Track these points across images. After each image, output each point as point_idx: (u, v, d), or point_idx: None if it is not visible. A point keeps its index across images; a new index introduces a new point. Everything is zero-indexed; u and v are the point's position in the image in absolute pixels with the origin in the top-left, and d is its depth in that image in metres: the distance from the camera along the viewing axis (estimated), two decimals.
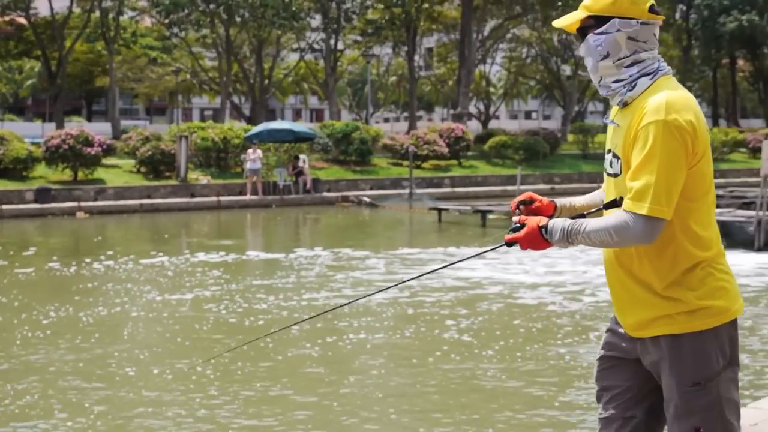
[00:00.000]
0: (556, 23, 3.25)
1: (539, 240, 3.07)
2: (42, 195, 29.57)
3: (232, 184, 33.02)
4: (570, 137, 48.70)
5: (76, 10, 48.62)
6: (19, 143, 32.04)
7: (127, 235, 24.58)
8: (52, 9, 45.63)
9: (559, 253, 17.04)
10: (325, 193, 33.38)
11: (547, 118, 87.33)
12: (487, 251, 3.44)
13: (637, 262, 3.09)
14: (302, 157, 33.96)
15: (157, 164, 32.90)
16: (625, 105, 3.11)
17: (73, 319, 11.41)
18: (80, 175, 31.84)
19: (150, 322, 11.44)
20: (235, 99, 59.87)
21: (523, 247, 3.11)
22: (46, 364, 9.13)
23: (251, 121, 47.65)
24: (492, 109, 66.61)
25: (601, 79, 3.18)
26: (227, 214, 29.90)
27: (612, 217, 2.99)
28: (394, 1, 47.28)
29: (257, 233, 26.09)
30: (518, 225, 3.10)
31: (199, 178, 33.23)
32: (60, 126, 42.70)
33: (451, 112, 52.86)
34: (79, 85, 68.69)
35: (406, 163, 36.60)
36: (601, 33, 3.11)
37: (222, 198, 31.65)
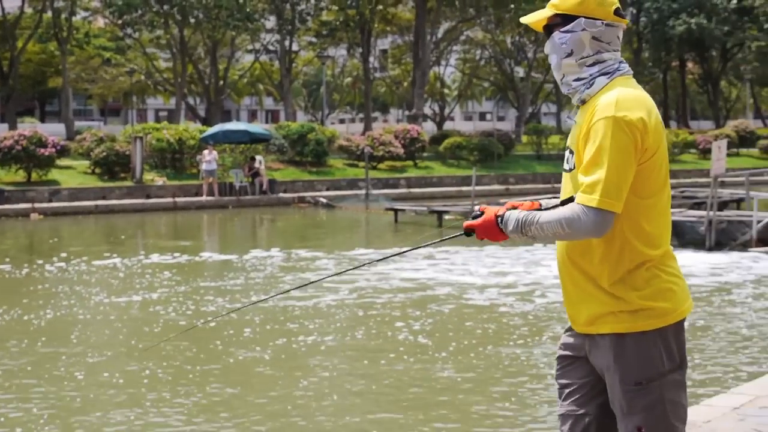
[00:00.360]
0: (524, 20, 3.30)
1: (495, 230, 3.13)
2: None
3: (188, 185, 32.95)
4: (524, 138, 49.16)
5: (28, 10, 48.19)
6: None
7: (81, 236, 24.45)
8: (3, 9, 45.11)
9: (506, 253, 17.33)
10: (281, 194, 33.43)
11: (501, 119, 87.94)
12: (447, 239, 3.49)
13: (587, 256, 3.13)
14: (258, 158, 33.98)
15: (112, 165, 32.74)
16: (582, 103, 3.19)
17: (20, 322, 11.38)
18: (34, 176, 31.61)
19: (98, 324, 11.47)
20: (191, 100, 59.49)
21: (479, 236, 3.17)
22: None
23: (206, 122, 47.52)
24: (447, 111, 66.96)
25: (563, 77, 3.24)
26: (183, 215, 29.84)
27: (565, 209, 3.03)
28: (348, 3, 47.46)
29: (212, 234, 26.09)
30: (478, 213, 3.18)
31: (155, 179, 33.12)
32: (13, 127, 42.25)
33: (406, 113, 53.04)
34: (31, 86, 67.84)
35: (362, 164, 36.73)
36: (567, 31, 3.17)
37: (178, 199, 31.57)
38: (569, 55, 3.19)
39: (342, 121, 78.19)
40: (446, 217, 23.98)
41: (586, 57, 3.17)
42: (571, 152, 3.16)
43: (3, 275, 15.90)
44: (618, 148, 2.98)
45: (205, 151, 32.31)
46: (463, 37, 58.32)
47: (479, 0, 47.33)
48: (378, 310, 12.09)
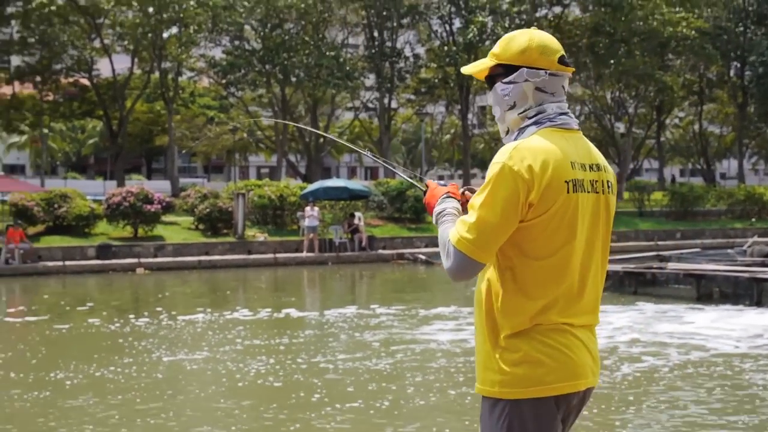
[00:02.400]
0: (465, 70, 3.20)
1: (432, 203, 3.21)
2: (103, 251, 30.14)
3: (288, 241, 33.31)
4: (625, 195, 48.38)
5: (137, 71, 49.79)
6: (81, 201, 32.78)
7: (176, 291, 24.77)
8: (113, 70, 46.80)
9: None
10: (380, 251, 33.51)
11: None
12: (414, 177, 3.72)
13: (479, 304, 3.06)
14: (358, 214, 34.20)
15: (215, 221, 33.37)
16: None
17: (94, 378, 11.37)
18: (140, 231, 32.41)
19: (192, 377, 11.54)
20: (291, 157, 60.54)
21: (425, 198, 3.27)
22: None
23: (307, 179, 48.19)
24: None
25: (508, 131, 3.11)
26: (283, 271, 30.12)
27: (450, 230, 2.97)
28: (447, 61, 47.72)
29: (304, 291, 26.09)
30: (443, 183, 3.27)
31: (256, 235, 33.58)
32: (121, 184, 43.58)
33: None
34: (139, 144, 70.11)
35: None
36: (509, 82, 3.06)
37: (279, 255, 31.92)
38: (512, 107, 3.07)
39: (441, 178, 78.14)
40: None
41: (528, 109, 3.05)
42: None
43: (91, 330, 16.12)
44: (497, 196, 2.86)
45: (307, 208, 32.66)
46: None
47: (578, 56, 47.13)
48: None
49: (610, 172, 3.14)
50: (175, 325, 16.36)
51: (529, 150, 2.89)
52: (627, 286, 20.89)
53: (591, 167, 3.03)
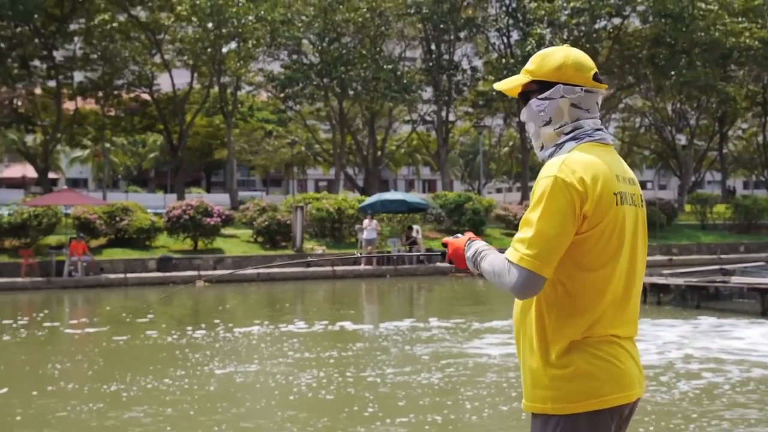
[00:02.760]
0: (498, 86, 3.22)
1: (461, 253, 3.15)
2: (164, 264, 30.45)
3: (346, 254, 33.36)
4: (687, 207, 47.70)
5: (197, 86, 50.40)
6: (142, 214, 33.19)
7: (239, 304, 24.93)
8: (173, 85, 47.44)
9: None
10: (438, 264, 33.38)
11: (662, 188, 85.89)
12: (425, 255, 3.48)
13: (524, 322, 3.05)
14: (415, 227, 34.15)
15: (274, 234, 33.57)
16: None
17: (148, 390, 11.40)
18: (200, 244, 32.70)
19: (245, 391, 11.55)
20: (349, 170, 60.70)
21: (449, 255, 3.19)
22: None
23: (365, 191, 48.28)
24: None
25: (542, 147, 3.13)
26: (341, 284, 30.13)
27: (501, 258, 2.94)
28: (505, 73, 47.49)
29: (370, 303, 26.11)
30: (460, 234, 3.23)
31: (314, 247, 33.69)
32: (181, 197, 44.04)
33: None
34: (199, 158, 70.92)
35: None
36: (545, 98, 3.08)
37: (337, 268, 31.98)
38: (547, 123, 3.09)
39: (499, 191, 78.03)
40: None
41: (565, 125, 3.07)
42: None
43: (150, 340, 16.26)
44: (553, 209, 2.85)
45: (366, 221, 32.70)
46: (621, 105, 57.51)
47: (638, 68, 46.63)
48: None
49: (639, 186, 3.20)
50: (231, 337, 16.42)
51: (578, 163, 2.91)
52: (689, 300, 20.50)
53: (629, 181, 3.08)
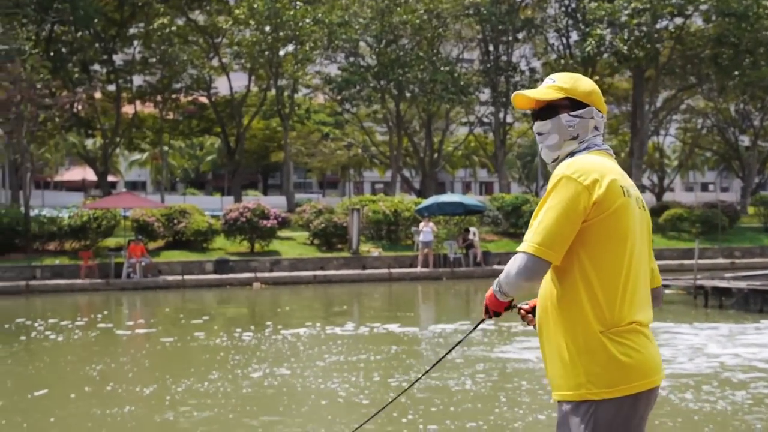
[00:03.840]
0: (530, 93, 3.46)
1: (493, 296, 3.41)
2: (221, 266, 30.53)
3: (402, 256, 33.19)
4: (750, 210, 46.71)
5: (254, 88, 50.58)
6: (199, 216, 33.37)
7: (293, 306, 24.80)
8: (231, 88, 47.66)
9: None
10: (495, 266, 32.99)
11: (725, 190, 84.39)
12: (475, 328, 3.95)
13: (549, 315, 3.28)
14: (472, 229, 33.84)
15: (330, 236, 33.51)
16: None
17: (181, 392, 11.35)
18: (257, 246, 32.75)
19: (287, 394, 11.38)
20: (406, 172, 60.54)
21: (489, 309, 3.46)
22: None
23: (421, 194, 48.05)
24: (666, 181, 64.84)
25: (558, 158, 3.44)
26: (397, 286, 29.95)
27: (518, 247, 3.24)
28: None
29: (426, 306, 25.86)
30: None
31: (371, 250, 33.56)
32: (238, 199, 44.26)
33: None
34: (255, 160, 71.25)
35: None
36: (577, 116, 3.41)
37: (393, 270, 31.80)
38: (573, 138, 3.42)
39: None
40: (666, 291, 22.79)
41: (585, 141, 3.42)
42: None
43: (197, 342, 16.18)
44: (560, 202, 3.16)
45: (422, 223, 32.49)
46: (683, 106, 56.52)
47: (700, 68, 45.75)
48: None
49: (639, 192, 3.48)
50: (277, 339, 16.36)
51: (585, 162, 3.26)
52: (752, 304, 20.07)
53: (631, 185, 3.36)
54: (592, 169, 3.21)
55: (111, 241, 31.82)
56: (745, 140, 59.15)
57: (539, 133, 3.48)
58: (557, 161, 3.43)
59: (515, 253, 3.27)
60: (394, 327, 17.95)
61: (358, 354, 14.25)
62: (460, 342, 4.22)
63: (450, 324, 18.40)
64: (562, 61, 47.81)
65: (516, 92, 3.51)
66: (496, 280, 3.38)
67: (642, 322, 3.21)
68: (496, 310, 3.44)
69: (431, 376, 12.02)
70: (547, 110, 3.44)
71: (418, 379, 4.74)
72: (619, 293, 3.16)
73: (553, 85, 3.45)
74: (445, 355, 4.14)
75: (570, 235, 3.15)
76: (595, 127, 3.44)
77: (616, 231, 3.19)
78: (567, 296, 3.21)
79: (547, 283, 3.33)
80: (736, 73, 43.70)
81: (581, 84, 3.45)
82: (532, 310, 3.62)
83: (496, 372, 12.38)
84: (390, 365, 13.19)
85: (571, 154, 3.39)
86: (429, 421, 9.35)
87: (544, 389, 11.14)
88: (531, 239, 3.18)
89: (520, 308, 3.62)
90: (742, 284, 20.89)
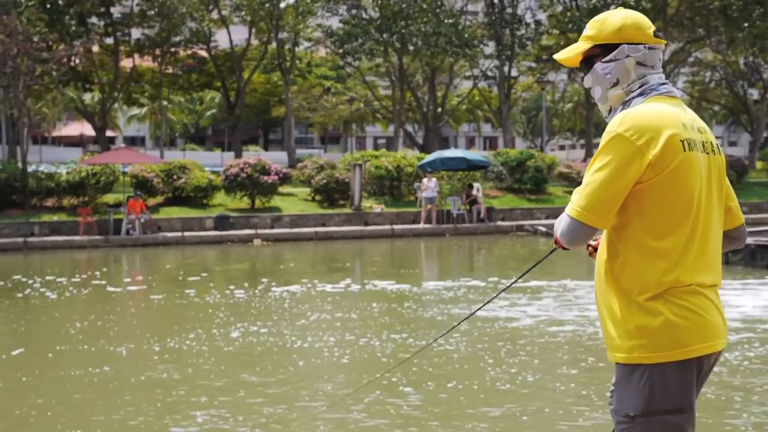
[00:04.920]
0: (559, 56, 3.31)
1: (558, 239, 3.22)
2: (221, 222, 30.14)
3: (405, 212, 32.77)
4: (758, 164, 46.21)
5: (254, 42, 49.87)
6: (199, 172, 32.98)
7: (292, 263, 24.39)
8: (231, 42, 46.94)
9: None
10: (499, 222, 32.62)
11: (733, 144, 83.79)
12: (546, 256, 3.76)
13: (606, 279, 3.13)
14: (476, 185, 33.36)
15: (332, 192, 33.08)
16: None
17: (154, 351, 11.03)
18: (257, 203, 32.35)
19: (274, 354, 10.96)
20: (409, 127, 59.89)
21: (558, 243, 3.21)
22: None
23: (424, 149, 47.50)
24: None
25: (611, 110, 3.23)
26: (399, 242, 29.55)
27: (567, 207, 3.11)
28: (570, 27, 46.16)
29: (429, 262, 25.41)
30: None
31: (373, 206, 33.13)
32: (238, 155, 43.77)
33: None
34: (256, 115, 70.66)
35: None
36: (610, 60, 3.18)
37: (395, 226, 31.38)
38: (615, 84, 3.19)
39: (562, 148, 76.66)
40: None
41: (632, 83, 3.17)
42: None
43: (186, 300, 15.82)
44: (609, 163, 2.98)
45: (425, 179, 32.01)
46: (691, 59, 55.67)
47: (709, 20, 44.94)
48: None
49: (712, 135, 3.25)
50: (268, 296, 16.03)
51: (640, 116, 3.01)
52: (759, 260, 19.74)
53: (698, 129, 3.14)
54: (648, 125, 2.98)
55: (110, 198, 31.47)
56: (755, 94, 58.40)
57: (589, 89, 3.31)
58: (612, 113, 3.22)
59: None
60: (387, 284, 17.46)
61: (347, 312, 13.82)
62: (512, 283, 4.04)
63: (448, 281, 17.85)
64: (569, 14, 47.02)
65: (555, 57, 3.36)
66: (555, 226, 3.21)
67: (704, 283, 3.06)
68: (559, 244, 3.25)
69: (415, 336, 11.68)
70: (585, 63, 3.28)
71: (445, 333, 4.34)
72: (683, 253, 3.03)
73: (583, 36, 3.26)
74: (486, 303, 4.03)
75: (618, 199, 2.99)
76: (640, 63, 3.15)
77: (675, 190, 3.01)
78: (621, 259, 3.08)
79: (602, 246, 3.19)
80: (746, 24, 42.90)
81: (607, 24, 3.20)
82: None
83: (479, 332, 11.93)
84: (366, 324, 12.76)
85: (626, 102, 3.16)
86: (413, 385, 8.95)
87: (529, 349, 10.75)
88: (576, 202, 3.02)
89: (589, 245, 3.42)
90: (750, 240, 20.51)
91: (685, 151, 3.01)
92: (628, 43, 3.15)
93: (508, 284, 3.83)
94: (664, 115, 3.03)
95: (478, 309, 4.01)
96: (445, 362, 10.09)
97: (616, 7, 37.29)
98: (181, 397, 8.60)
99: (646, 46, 3.16)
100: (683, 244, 3.03)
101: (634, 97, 3.15)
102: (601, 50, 3.20)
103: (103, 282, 19.50)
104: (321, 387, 8.98)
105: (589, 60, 3.25)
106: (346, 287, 17.18)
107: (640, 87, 3.16)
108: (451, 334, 11.46)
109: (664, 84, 3.19)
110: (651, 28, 3.20)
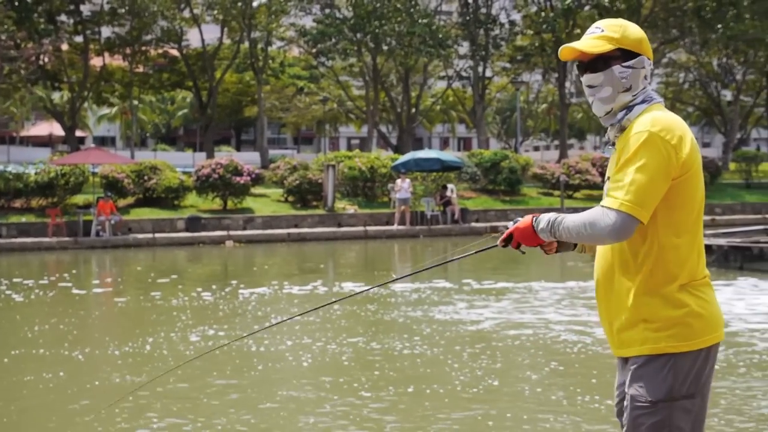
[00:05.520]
0: (578, 45, 3.32)
1: (530, 231, 3.33)
2: (193, 224, 29.75)
3: (379, 213, 32.50)
4: (732, 166, 46.29)
5: (226, 41, 49.43)
6: (171, 172, 32.60)
7: (264, 265, 24.04)
8: (203, 41, 46.47)
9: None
10: (473, 224, 32.42)
11: (706, 145, 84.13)
12: (482, 250, 3.70)
13: (622, 273, 3.26)
14: (450, 186, 33.15)
15: (305, 193, 32.79)
16: (622, 130, 3.28)
17: (113, 354, 10.86)
18: (230, 204, 31.99)
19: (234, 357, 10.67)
20: (382, 128, 59.65)
21: (516, 239, 3.37)
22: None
23: (398, 150, 47.23)
24: None
25: (611, 110, 3.34)
26: (373, 244, 29.27)
27: (592, 210, 3.19)
28: (544, 27, 46.07)
29: (392, 264, 25.12)
30: (516, 220, 3.44)
31: (346, 207, 32.85)
32: (210, 155, 43.36)
33: (604, 140, 51.02)
34: (228, 115, 70.16)
35: (557, 192, 35.36)
36: (630, 67, 3.31)
37: (369, 228, 31.09)
38: (627, 90, 3.32)
39: (536, 149, 76.52)
40: None
41: (639, 91, 3.34)
42: (608, 179, 3.28)
43: (150, 302, 15.49)
44: (649, 159, 3.10)
45: (398, 180, 31.76)
46: (665, 60, 55.67)
47: (683, 21, 44.98)
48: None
49: None
50: (235, 299, 15.74)
51: (666, 119, 3.21)
52: (732, 261, 19.78)
53: None
54: (675, 126, 3.20)
55: (79, 198, 30.96)
56: (728, 95, 58.62)
57: (590, 86, 3.37)
58: (610, 114, 3.35)
59: (591, 207, 3.22)
60: (355, 286, 17.14)
61: (310, 315, 13.49)
62: (450, 261, 4.03)
63: (416, 283, 17.52)
64: (543, 14, 46.91)
65: (564, 45, 3.35)
66: (546, 219, 3.31)
67: (708, 276, 3.31)
68: (528, 244, 3.38)
69: (376, 339, 11.47)
70: (597, 62, 3.34)
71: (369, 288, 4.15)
72: (695, 248, 3.25)
73: (603, 36, 3.33)
74: (424, 270, 3.73)
75: (660, 195, 3.15)
76: (645, 77, 3.37)
77: (695, 188, 3.23)
78: (645, 253, 3.23)
79: (615, 245, 3.29)
80: (719, 26, 43.02)
81: (631, 32, 3.35)
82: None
83: (440, 336, 11.73)
84: (323, 327, 12.52)
85: (628, 107, 3.32)
86: (374, 389, 8.76)
87: (489, 353, 10.57)
88: (623, 197, 3.11)
89: (543, 246, 3.49)
90: (722, 241, 20.62)
91: (699, 155, 3.28)
92: (644, 56, 3.35)
93: (407, 274, 3.65)
94: (679, 120, 3.27)
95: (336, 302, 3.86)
96: (408, 366, 9.95)
97: (590, 8, 37.13)
98: (140, 403, 8.32)
99: (651, 62, 3.38)
100: (698, 239, 3.27)
101: (636, 104, 3.32)
102: (621, 54, 3.32)
103: (70, 284, 19.11)
104: (282, 392, 8.77)
105: (604, 59, 3.33)
106: (313, 289, 16.92)
107: (642, 96, 3.34)
108: (412, 337, 11.40)
109: (655, 92, 3.40)
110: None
